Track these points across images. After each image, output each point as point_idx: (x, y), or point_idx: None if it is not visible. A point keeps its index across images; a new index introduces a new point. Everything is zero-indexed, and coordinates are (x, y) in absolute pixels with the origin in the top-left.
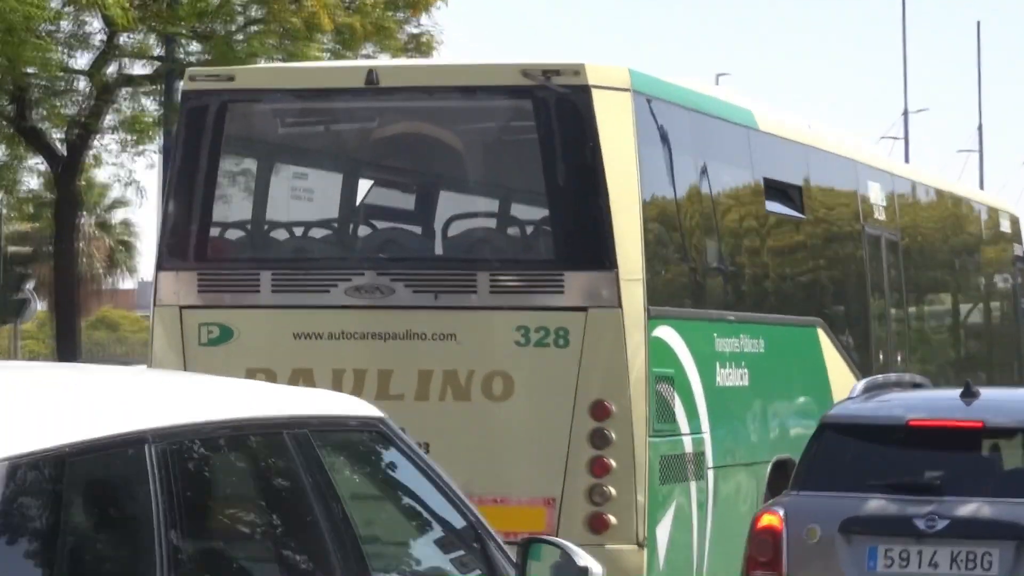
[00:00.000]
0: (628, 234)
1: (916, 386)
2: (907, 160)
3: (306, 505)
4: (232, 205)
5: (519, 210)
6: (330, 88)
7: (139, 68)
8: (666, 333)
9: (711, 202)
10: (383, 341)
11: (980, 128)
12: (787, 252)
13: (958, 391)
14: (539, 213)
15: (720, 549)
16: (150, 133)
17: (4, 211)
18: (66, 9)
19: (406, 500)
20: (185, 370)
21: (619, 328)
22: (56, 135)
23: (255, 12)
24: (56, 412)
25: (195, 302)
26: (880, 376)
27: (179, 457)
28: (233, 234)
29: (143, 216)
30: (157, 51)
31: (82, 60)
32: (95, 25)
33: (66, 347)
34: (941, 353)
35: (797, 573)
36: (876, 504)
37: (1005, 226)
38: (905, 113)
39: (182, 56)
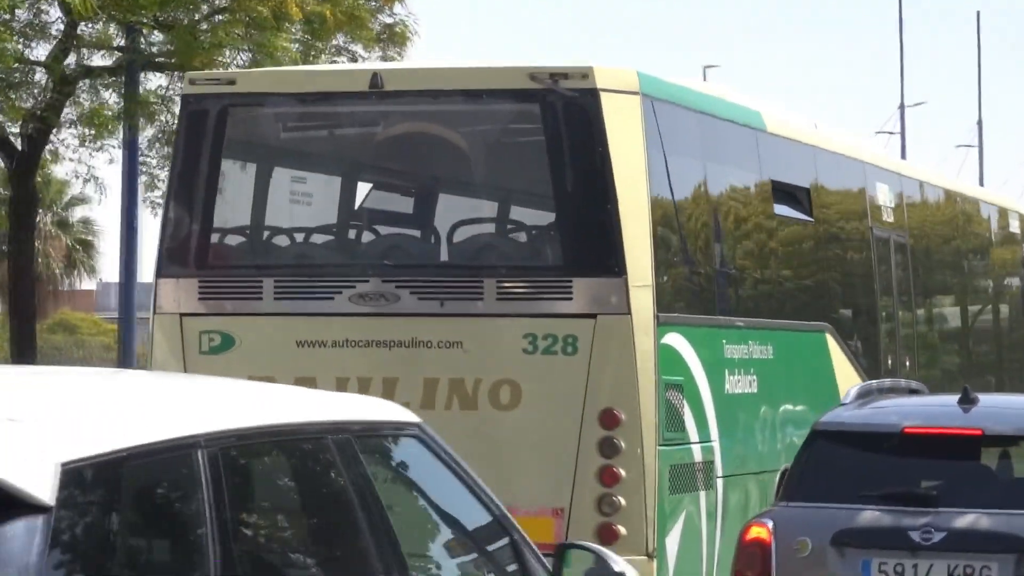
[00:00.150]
0: (637, 239)
1: (912, 392)
2: (904, 156)
3: (350, 510)
4: (233, 211)
5: (526, 215)
6: (334, 92)
7: (99, 59)
8: (675, 340)
9: (720, 206)
10: (388, 349)
11: (980, 123)
12: (795, 256)
13: (955, 397)
14: (547, 218)
15: (729, 560)
16: (110, 127)
17: None
18: None
19: (443, 505)
20: None
21: (628, 335)
22: (12, 129)
23: (220, 0)
24: (110, 417)
25: (196, 310)
26: (874, 382)
27: (228, 461)
28: (234, 240)
29: (104, 214)
30: (118, 41)
31: (40, 51)
32: (53, 14)
33: (23, 351)
34: (950, 357)
35: None
36: (870, 515)
37: (1015, 227)
38: (902, 107)
39: (144, 47)
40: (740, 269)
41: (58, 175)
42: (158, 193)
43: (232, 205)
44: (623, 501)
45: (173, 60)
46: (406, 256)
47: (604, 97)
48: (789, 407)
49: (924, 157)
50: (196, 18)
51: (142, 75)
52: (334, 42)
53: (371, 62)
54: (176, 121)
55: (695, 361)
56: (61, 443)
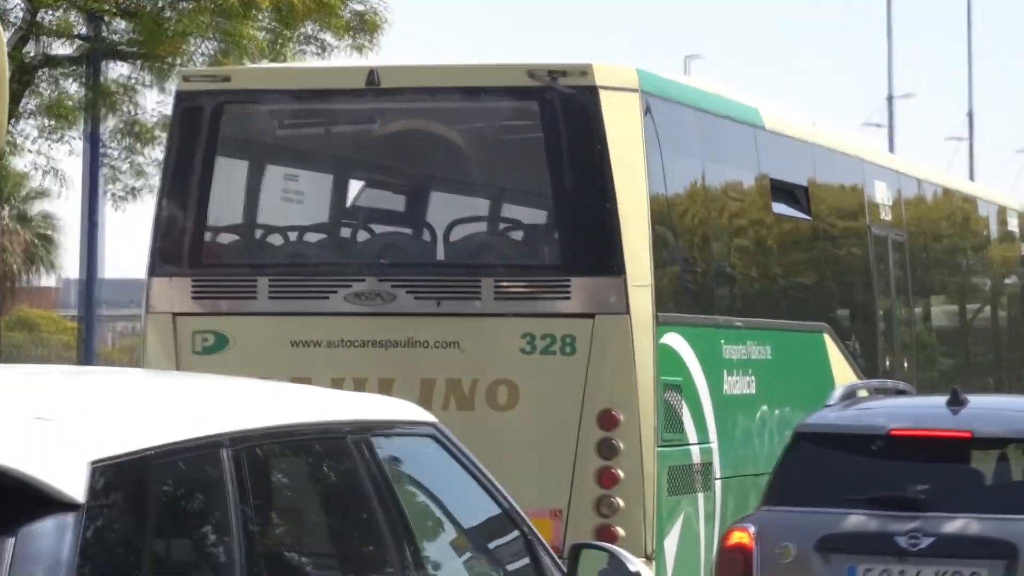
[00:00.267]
0: (636, 238)
1: (899, 393)
2: (891, 150)
3: (370, 509)
4: (228, 209)
5: (524, 214)
6: (330, 89)
7: (61, 48)
8: (674, 340)
9: (719, 205)
10: (384, 349)
11: (970, 114)
12: (794, 255)
13: (944, 399)
14: (545, 217)
15: None
16: (72, 118)
17: None
18: None
19: (458, 505)
20: None
21: (627, 335)
22: None
23: None
24: (137, 416)
25: (189, 309)
26: (860, 381)
27: (251, 460)
28: (228, 239)
29: (65, 208)
30: (80, 29)
31: None
32: (13, 1)
33: None
34: (949, 357)
35: None
36: (855, 520)
37: (1013, 225)
38: (889, 98)
39: (107, 35)
40: (738, 268)
41: (17, 167)
42: (120, 186)
43: (226, 203)
44: (622, 502)
45: (137, 49)
46: (403, 255)
47: (603, 94)
48: (787, 408)
49: (913, 150)
50: (161, 5)
51: (105, 64)
52: (303, 30)
53: (342, 51)
54: (137, 111)
55: (694, 361)
56: (90, 441)
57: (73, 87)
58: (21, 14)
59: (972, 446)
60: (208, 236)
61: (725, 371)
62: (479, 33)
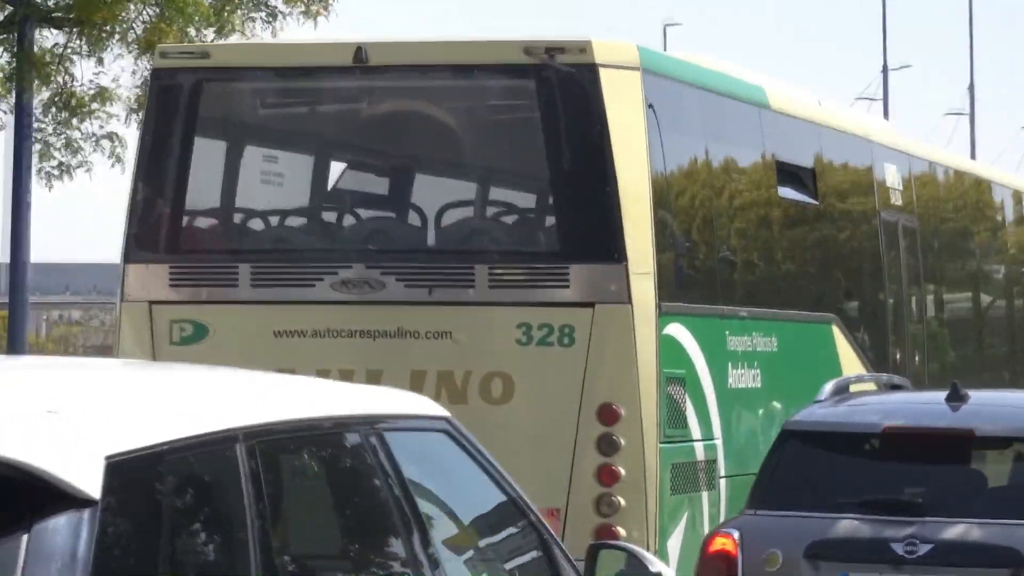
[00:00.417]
0: (638, 224)
1: (895, 387)
2: None
3: (383, 504)
4: (207, 192)
5: (520, 198)
6: (315, 66)
7: None
8: (677, 331)
9: (723, 189)
10: (372, 340)
11: (971, 88)
12: (800, 242)
13: (943, 393)
14: (542, 201)
15: None
16: (0, 89)
17: None
18: None
19: (472, 503)
20: None
21: (628, 325)
22: None
23: None
24: (150, 409)
25: (166, 297)
26: (852, 375)
27: (265, 455)
28: (208, 223)
29: None
30: None
31: None
32: None
33: None
34: (963, 349)
35: None
36: (847, 525)
37: None
38: (885, 70)
39: (39, 0)
40: (744, 256)
41: None
42: (54, 163)
43: (205, 186)
44: (622, 501)
45: (71, 16)
46: (392, 241)
47: (603, 73)
48: (793, 403)
49: (910, 125)
50: None
51: (37, 32)
52: None
53: (294, 20)
54: (71, 82)
55: (697, 353)
56: (104, 436)
57: (2, 56)
58: None
59: (974, 445)
60: (186, 220)
61: (730, 364)
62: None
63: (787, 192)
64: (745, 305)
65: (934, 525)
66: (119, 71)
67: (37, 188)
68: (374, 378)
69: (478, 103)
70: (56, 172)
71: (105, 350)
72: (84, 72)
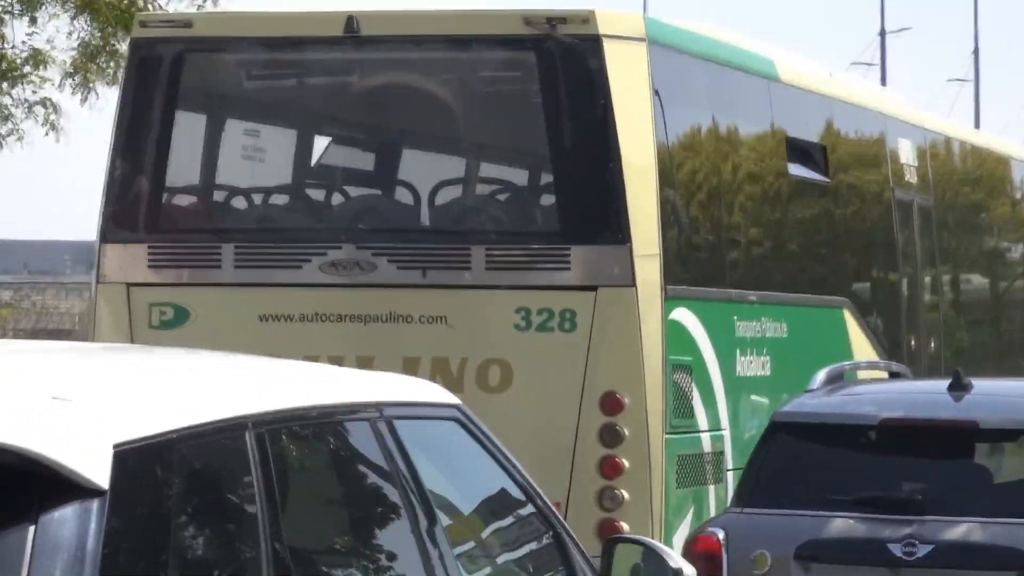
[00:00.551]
0: (643, 203)
1: (893, 375)
2: None
3: (395, 495)
4: (188, 168)
5: (519, 176)
6: (303, 37)
7: None
8: (684, 316)
9: (732, 166)
10: (363, 324)
11: (976, 53)
12: (811, 222)
13: (945, 382)
14: (542, 179)
15: None
16: None
17: None
18: None
19: (483, 491)
20: None
21: (633, 310)
22: None
23: None
24: (157, 396)
25: (145, 279)
26: (847, 363)
27: (274, 443)
28: (189, 201)
29: None
30: None
31: None
32: None
33: None
34: (981, 334)
35: None
36: (841, 525)
37: None
38: (882, 33)
39: None
40: (752, 236)
41: None
42: None
43: (187, 162)
44: (626, 495)
45: None
46: (384, 220)
47: (607, 44)
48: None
49: (909, 93)
50: None
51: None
52: None
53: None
54: (2, 43)
55: (704, 340)
56: (112, 424)
57: None
58: None
59: (977, 438)
60: (166, 198)
61: (738, 350)
62: None
63: (797, 169)
64: (754, 288)
65: (934, 524)
66: (54, 32)
67: None
68: (365, 365)
69: (475, 76)
70: None
71: (36, 333)
72: (16, 33)
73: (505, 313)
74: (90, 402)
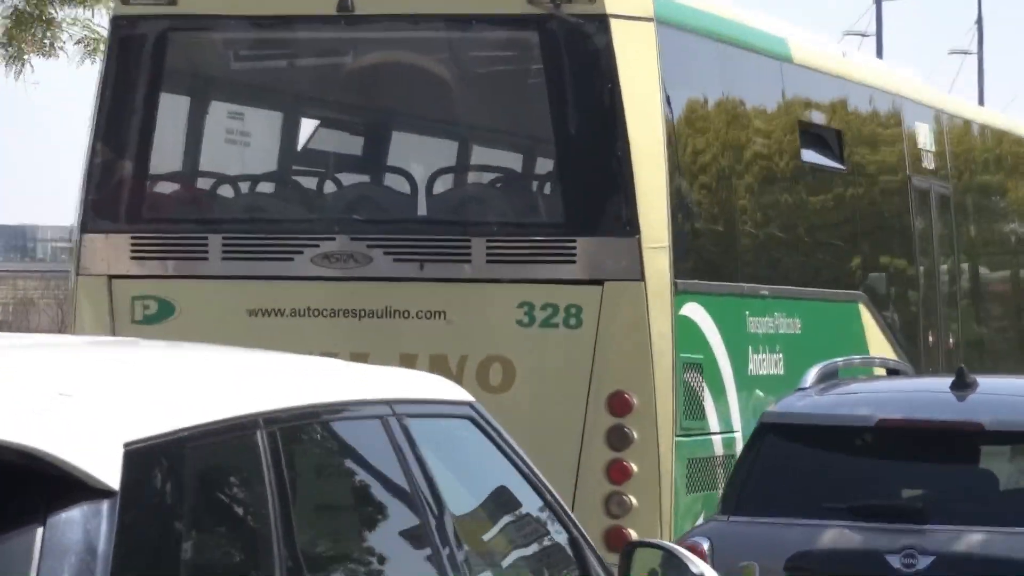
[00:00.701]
0: (652, 193)
1: (892, 372)
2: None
3: (407, 490)
4: (173, 155)
5: (522, 164)
6: (295, 15)
7: None
8: (694, 311)
9: (744, 153)
10: (358, 319)
11: (979, 22)
12: (825, 211)
13: (948, 380)
14: (546, 167)
15: None
16: None
17: None
18: None
19: (497, 491)
20: None
21: (641, 305)
22: None
23: None
24: (167, 393)
25: (128, 271)
26: (840, 359)
27: (286, 441)
28: (174, 189)
29: None
30: None
31: None
32: None
33: None
34: (1002, 330)
35: None
36: (834, 534)
37: None
38: (878, 1)
39: None
40: (765, 227)
41: None
42: None
43: (172, 148)
44: (634, 501)
45: None
46: (379, 210)
47: (614, 24)
48: None
49: (907, 65)
50: None
51: None
52: None
53: None
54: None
55: (716, 336)
56: (122, 421)
57: None
58: None
59: (982, 440)
60: (150, 186)
61: (750, 347)
62: None
63: (811, 156)
64: (767, 282)
65: (936, 534)
66: None
67: None
68: (359, 362)
69: (475, 57)
70: None
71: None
72: None
73: (507, 308)
74: (98, 399)
